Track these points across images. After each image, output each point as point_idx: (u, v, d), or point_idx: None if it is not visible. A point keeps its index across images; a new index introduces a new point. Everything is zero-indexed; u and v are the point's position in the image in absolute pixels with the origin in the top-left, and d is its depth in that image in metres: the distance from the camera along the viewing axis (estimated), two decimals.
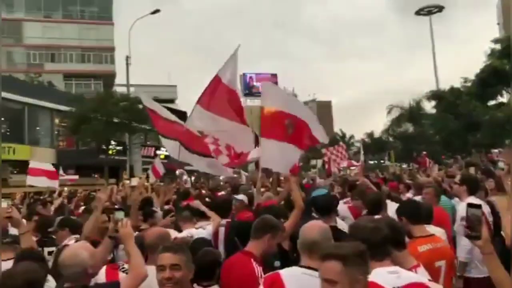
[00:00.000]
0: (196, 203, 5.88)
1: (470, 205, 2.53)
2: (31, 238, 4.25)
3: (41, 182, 12.50)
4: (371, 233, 2.51)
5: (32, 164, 13.02)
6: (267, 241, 3.39)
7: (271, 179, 8.90)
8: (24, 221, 4.41)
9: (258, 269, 3.24)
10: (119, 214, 3.34)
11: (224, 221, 5.19)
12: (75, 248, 3.11)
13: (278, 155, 6.12)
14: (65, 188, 12.09)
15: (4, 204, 3.28)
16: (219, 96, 7.10)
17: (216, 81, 7.17)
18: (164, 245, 2.95)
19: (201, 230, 5.01)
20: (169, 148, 9.04)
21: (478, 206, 2.51)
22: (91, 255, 3.01)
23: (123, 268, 3.51)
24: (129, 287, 2.94)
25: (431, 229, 4.02)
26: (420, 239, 3.46)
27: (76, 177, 14.78)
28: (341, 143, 22.14)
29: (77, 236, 5.47)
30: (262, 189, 9.34)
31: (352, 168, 16.18)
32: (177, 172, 16.86)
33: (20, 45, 48.12)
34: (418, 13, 65.89)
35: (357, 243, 2.16)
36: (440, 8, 65.35)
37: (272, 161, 6.30)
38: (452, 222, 5.40)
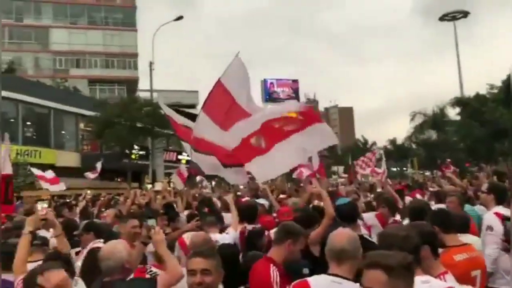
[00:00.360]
0: (228, 199, 5.96)
1: (507, 219, 2.52)
2: (65, 240, 4.33)
3: (50, 188, 13.43)
4: (403, 242, 2.46)
5: (36, 172, 14.08)
6: (287, 247, 3.40)
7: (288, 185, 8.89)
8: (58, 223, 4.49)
9: (275, 275, 3.24)
10: (151, 222, 3.52)
11: (250, 227, 5.24)
12: (114, 244, 3.33)
13: (267, 166, 5.83)
14: (88, 191, 12.28)
15: (39, 206, 3.39)
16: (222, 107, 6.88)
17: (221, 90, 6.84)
18: (195, 250, 2.98)
19: (225, 235, 5.05)
20: (189, 152, 9.13)
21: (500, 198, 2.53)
22: (128, 251, 3.21)
23: (150, 271, 3.59)
24: (166, 284, 3.09)
25: (468, 238, 3.96)
26: (455, 249, 3.41)
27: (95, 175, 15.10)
28: (374, 149, 21.92)
29: (102, 240, 5.55)
30: (282, 196, 9.39)
31: (374, 175, 15.99)
32: (197, 178, 16.95)
33: (46, 51, 49.29)
34: (442, 19, 64.94)
35: (405, 254, 2.07)
36: (465, 14, 64.28)
37: (266, 173, 6.10)
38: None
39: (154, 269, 3.58)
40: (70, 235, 5.63)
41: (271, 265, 3.32)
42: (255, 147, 5.82)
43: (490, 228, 4.51)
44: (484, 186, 7.62)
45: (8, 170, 6.36)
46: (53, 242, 5.47)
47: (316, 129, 5.56)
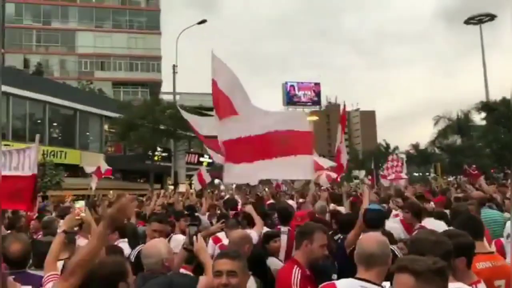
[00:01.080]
0: (248, 208, 6.02)
1: None
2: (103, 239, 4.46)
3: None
4: (433, 247, 2.44)
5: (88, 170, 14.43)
6: (305, 248, 3.40)
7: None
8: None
9: (297, 276, 3.25)
10: (192, 229, 3.65)
11: (286, 229, 5.35)
12: (155, 242, 3.50)
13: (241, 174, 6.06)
14: (111, 192, 12.48)
15: (76, 206, 3.47)
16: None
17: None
18: (222, 251, 3.02)
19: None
20: (212, 154, 9.32)
21: None
22: (168, 250, 3.35)
23: None
24: (205, 286, 3.16)
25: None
26: (479, 256, 3.30)
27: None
28: (396, 153, 21.65)
29: (126, 239, 5.65)
30: (301, 200, 9.42)
31: (400, 181, 15.82)
32: (216, 181, 17.02)
33: (72, 54, 50.34)
34: (467, 22, 63.86)
35: (436, 259, 2.03)
36: (491, 17, 63.06)
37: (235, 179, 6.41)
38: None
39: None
40: None
41: (295, 266, 3.34)
42: (242, 154, 5.96)
43: (510, 236, 4.44)
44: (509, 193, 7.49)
45: (35, 170, 6.57)
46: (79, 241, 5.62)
47: (299, 160, 5.82)
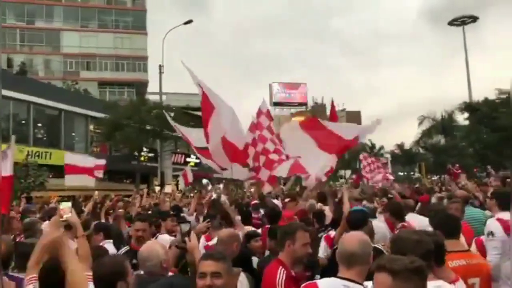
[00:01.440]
0: (226, 207, 6.12)
1: None
2: (86, 242, 4.44)
3: (79, 180, 12.83)
4: (415, 246, 2.47)
5: (68, 160, 13.30)
6: (288, 248, 3.40)
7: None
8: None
9: (281, 276, 3.27)
10: (185, 226, 3.69)
11: None
12: (152, 244, 3.53)
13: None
14: (96, 193, 12.33)
15: (62, 207, 3.44)
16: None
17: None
18: (206, 253, 3.05)
19: None
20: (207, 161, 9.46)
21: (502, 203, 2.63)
22: (165, 250, 3.40)
23: None
24: None
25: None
26: (453, 254, 3.36)
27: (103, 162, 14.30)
28: (381, 153, 21.86)
29: (111, 240, 5.65)
30: (287, 200, 9.51)
31: (385, 182, 16.02)
32: (203, 181, 17.11)
33: (57, 53, 49.81)
34: (451, 23, 64.71)
35: (415, 259, 2.06)
36: (474, 19, 63.98)
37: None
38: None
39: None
40: None
41: (280, 267, 3.35)
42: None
43: (491, 234, 4.51)
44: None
45: (11, 171, 6.55)
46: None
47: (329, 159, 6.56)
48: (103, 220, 8.23)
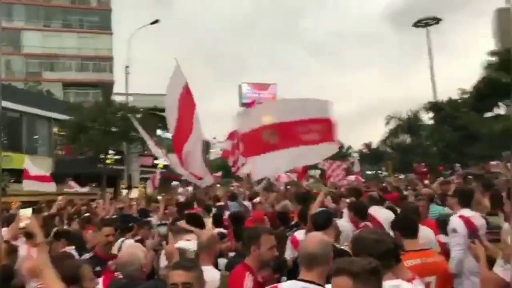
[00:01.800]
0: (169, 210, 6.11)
1: (489, 214, 2.76)
2: (46, 250, 4.28)
3: (37, 186, 12.78)
4: (375, 246, 2.49)
5: (26, 166, 13.50)
6: (254, 252, 3.37)
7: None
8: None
9: (248, 281, 3.23)
10: (162, 229, 3.76)
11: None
12: (132, 249, 3.54)
13: (265, 166, 6.36)
14: (60, 198, 11.99)
15: (22, 213, 3.32)
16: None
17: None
18: (176, 262, 2.99)
19: (190, 242, 5.07)
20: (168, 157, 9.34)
21: (496, 214, 2.71)
22: (144, 254, 3.44)
23: None
24: None
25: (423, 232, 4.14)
26: (410, 254, 3.42)
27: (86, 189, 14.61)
28: (349, 153, 22.13)
29: (73, 247, 5.48)
30: (255, 200, 9.50)
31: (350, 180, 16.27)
32: (172, 183, 16.91)
33: (19, 54, 48.28)
34: (415, 25, 66.40)
35: (371, 259, 2.11)
36: (437, 20, 65.88)
37: (261, 172, 6.75)
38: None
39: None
40: None
41: (247, 272, 3.31)
42: (265, 142, 6.17)
43: (454, 230, 4.66)
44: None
45: None
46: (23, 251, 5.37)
47: (324, 147, 6.07)
48: (65, 226, 8.01)
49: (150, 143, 10.01)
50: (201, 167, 7.66)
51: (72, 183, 14.12)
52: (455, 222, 4.76)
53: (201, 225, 6.08)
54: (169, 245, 3.57)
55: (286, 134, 6.10)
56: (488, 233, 2.70)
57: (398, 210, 5.94)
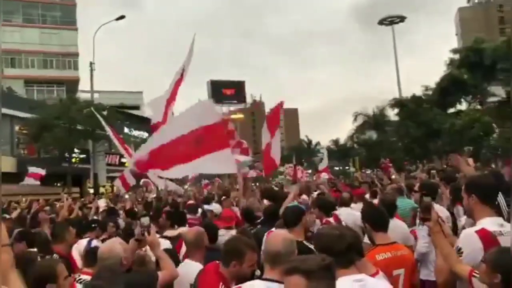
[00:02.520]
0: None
1: (422, 195, 2.98)
2: (10, 253, 4.16)
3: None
4: (336, 241, 2.50)
5: None
6: (234, 267, 3.18)
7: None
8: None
9: None
10: (145, 220, 3.85)
11: None
12: (111, 242, 3.62)
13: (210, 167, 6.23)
14: (24, 199, 11.67)
15: None
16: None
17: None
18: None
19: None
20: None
21: (429, 195, 2.85)
22: (124, 248, 3.51)
23: (80, 279, 3.67)
24: (163, 281, 3.41)
25: (396, 222, 4.28)
26: (380, 247, 3.47)
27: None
28: (299, 167, 22.17)
29: (34, 249, 5.35)
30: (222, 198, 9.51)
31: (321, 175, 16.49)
32: (142, 181, 16.61)
33: None
34: (381, 23, 67.66)
35: (323, 256, 2.07)
36: (402, 18, 67.31)
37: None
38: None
39: (84, 276, 3.64)
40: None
41: (221, 283, 3.19)
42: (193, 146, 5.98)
43: (421, 223, 4.82)
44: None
45: None
46: None
47: (218, 156, 5.80)
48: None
49: (116, 141, 9.87)
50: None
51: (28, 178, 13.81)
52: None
53: (183, 222, 6.11)
54: (151, 236, 3.67)
55: (180, 149, 5.98)
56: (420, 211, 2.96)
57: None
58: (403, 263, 3.48)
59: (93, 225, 5.93)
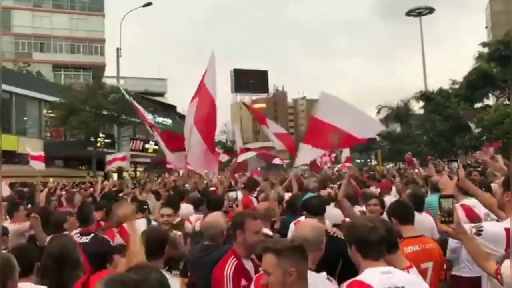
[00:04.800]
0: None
1: (441, 196, 2.87)
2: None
3: (39, 166, 14.17)
4: (370, 233, 2.52)
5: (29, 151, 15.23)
6: (240, 238, 3.33)
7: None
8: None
9: (230, 267, 3.22)
10: (233, 194, 4.60)
11: None
12: (216, 216, 4.06)
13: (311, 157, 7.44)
14: (51, 179, 11.96)
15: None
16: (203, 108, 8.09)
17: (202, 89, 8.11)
18: None
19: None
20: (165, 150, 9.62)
21: (450, 196, 2.84)
22: (225, 220, 3.97)
23: None
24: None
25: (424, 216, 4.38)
26: (408, 240, 3.50)
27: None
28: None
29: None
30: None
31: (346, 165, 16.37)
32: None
33: (8, 34, 47.46)
34: (408, 14, 66.41)
35: (295, 241, 2.43)
36: (430, 10, 65.91)
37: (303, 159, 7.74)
38: None
39: None
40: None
41: (232, 257, 3.30)
42: (328, 140, 7.22)
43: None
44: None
45: None
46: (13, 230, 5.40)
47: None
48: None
49: (147, 117, 10.11)
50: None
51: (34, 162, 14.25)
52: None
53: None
54: (239, 207, 4.52)
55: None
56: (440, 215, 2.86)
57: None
58: (432, 256, 3.50)
59: (144, 206, 6.11)
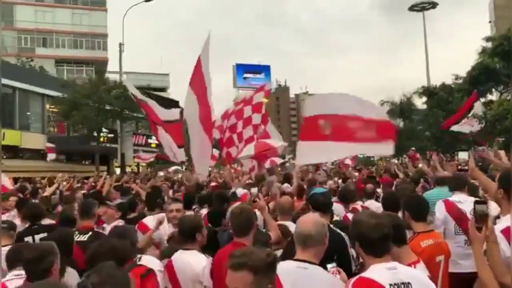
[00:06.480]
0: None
1: (477, 202, 2.71)
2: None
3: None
4: (373, 230, 2.50)
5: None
6: (253, 236, 3.52)
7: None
8: None
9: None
10: (254, 190, 4.86)
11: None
12: (241, 205, 4.11)
13: (313, 152, 6.77)
14: (60, 174, 11.98)
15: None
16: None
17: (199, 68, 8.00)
18: None
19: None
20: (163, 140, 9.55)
21: (484, 202, 2.69)
22: (257, 215, 4.02)
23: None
24: (276, 238, 4.14)
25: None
26: (422, 235, 3.53)
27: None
28: None
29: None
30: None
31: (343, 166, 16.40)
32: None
33: (11, 29, 47.47)
34: (411, 8, 66.11)
35: (268, 251, 2.20)
36: (433, 5, 65.59)
37: (307, 158, 7.20)
38: None
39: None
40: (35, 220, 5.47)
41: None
42: (321, 130, 6.65)
43: (434, 213, 4.85)
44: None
45: None
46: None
47: (381, 147, 6.40)
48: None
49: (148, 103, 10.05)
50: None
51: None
52: (436, 205, 4.92)
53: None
54: (261, 201, 4.53)
55: (341, 127, 6.53)
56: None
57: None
58: (443, 250, 3.57)
59: (158, 200, 6.19)
